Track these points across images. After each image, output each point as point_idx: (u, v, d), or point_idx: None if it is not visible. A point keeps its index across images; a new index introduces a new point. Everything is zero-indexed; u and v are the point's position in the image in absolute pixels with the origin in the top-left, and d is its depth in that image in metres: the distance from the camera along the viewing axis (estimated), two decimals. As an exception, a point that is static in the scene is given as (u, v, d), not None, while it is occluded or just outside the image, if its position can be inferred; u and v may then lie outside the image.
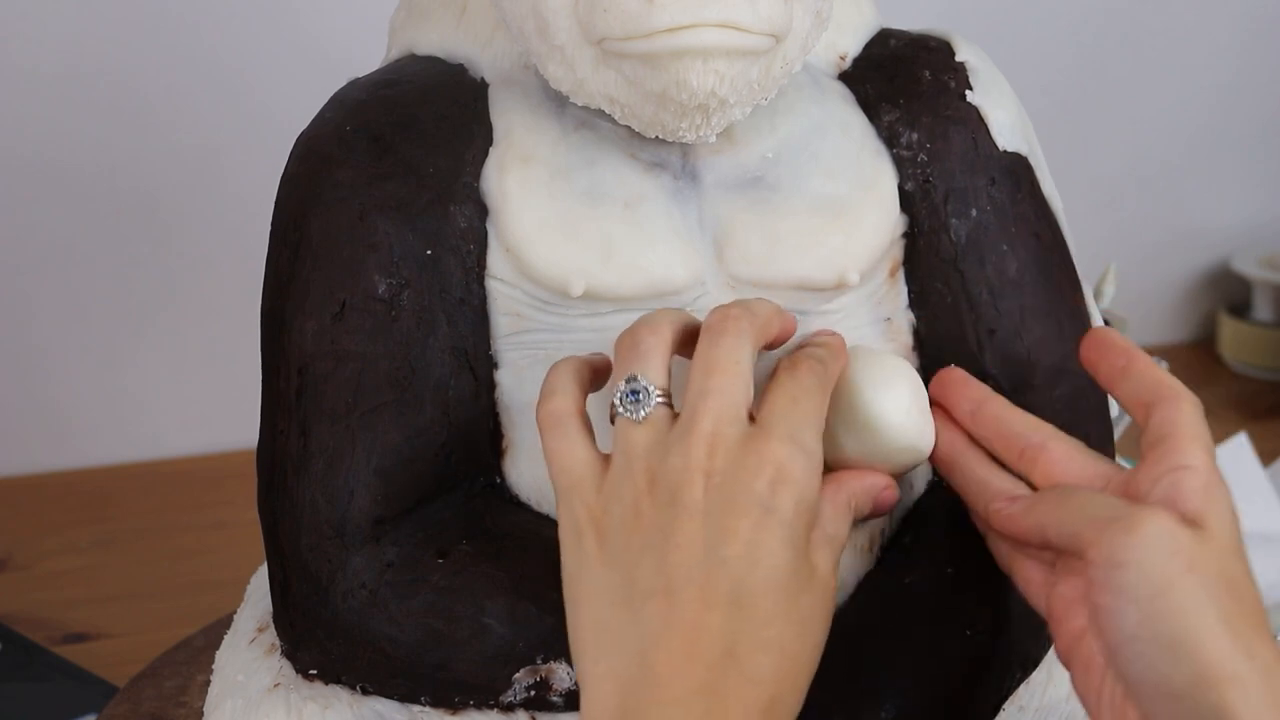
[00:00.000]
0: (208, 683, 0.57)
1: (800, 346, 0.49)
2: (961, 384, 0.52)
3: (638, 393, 0.45)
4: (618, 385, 0.45)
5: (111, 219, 1.10)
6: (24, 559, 1.02)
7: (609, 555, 0.43)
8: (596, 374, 0.48)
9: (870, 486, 0.48)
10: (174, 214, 1.11)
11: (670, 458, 0.43)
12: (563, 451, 0.45)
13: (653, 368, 0.45)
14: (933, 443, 0.51)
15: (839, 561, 0.46)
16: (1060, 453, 0.49)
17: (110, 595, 0.96)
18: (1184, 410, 0.47)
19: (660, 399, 0.45)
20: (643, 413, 0.44)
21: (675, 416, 0.45)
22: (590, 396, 0.47)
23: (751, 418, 0.45)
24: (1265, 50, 1.36)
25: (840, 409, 0.49)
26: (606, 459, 0.45)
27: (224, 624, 0.60)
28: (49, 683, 0.85)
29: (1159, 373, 0.48)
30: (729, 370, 0.44)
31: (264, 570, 0.63)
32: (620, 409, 0.45)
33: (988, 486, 0.49)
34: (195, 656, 0.70)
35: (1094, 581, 0.44)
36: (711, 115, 0.50)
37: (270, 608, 0.57)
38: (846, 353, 0.49)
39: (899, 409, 0.49)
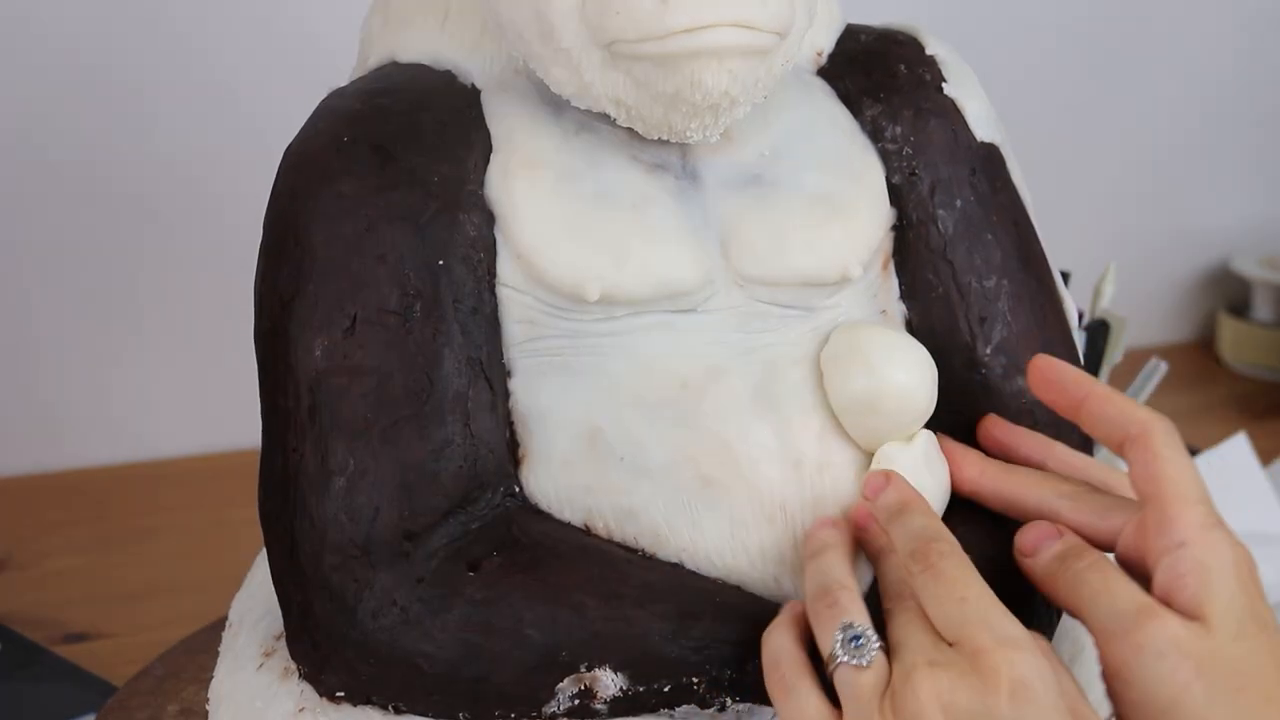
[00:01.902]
0: (205, 684, 0.56)
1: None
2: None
3: (858, 638, 0.44)
4: (835, 635, 0.45)
5: (112, 218, 1.08)
6: (24, 559, 1.00)
7: None
8: (803, 625, 0.47)
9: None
10: (174, 212, 1.09)
11: (907, 703, 0.42)
12: (795, 711, 0.44)
13: (862, 614, 0.45)
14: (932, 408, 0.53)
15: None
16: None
17: (110, 595, 0.95)
18: (1160, 453, 0.47)
19: (879, 645, 0.44)
20: (868, 658, 0.44)
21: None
22: None
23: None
24: (1265, 50, 1.38)
25: (848, 379, 0.51)
26: (838, 710, 0.44)
27: (224, 624, 0.59)
28: (48, 682, 0.84)
29: (1119, 403, 0.49)
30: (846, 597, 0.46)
31: (249, 594, 0.62)
32: (844, 657, 0.44)
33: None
34: (194, 657, 0.68)
35: (1108, 687, 0.45)
36: (721, 115, 0.50)
37: (272, 630, 0.55)
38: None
39: (906, 374, 0.52)
